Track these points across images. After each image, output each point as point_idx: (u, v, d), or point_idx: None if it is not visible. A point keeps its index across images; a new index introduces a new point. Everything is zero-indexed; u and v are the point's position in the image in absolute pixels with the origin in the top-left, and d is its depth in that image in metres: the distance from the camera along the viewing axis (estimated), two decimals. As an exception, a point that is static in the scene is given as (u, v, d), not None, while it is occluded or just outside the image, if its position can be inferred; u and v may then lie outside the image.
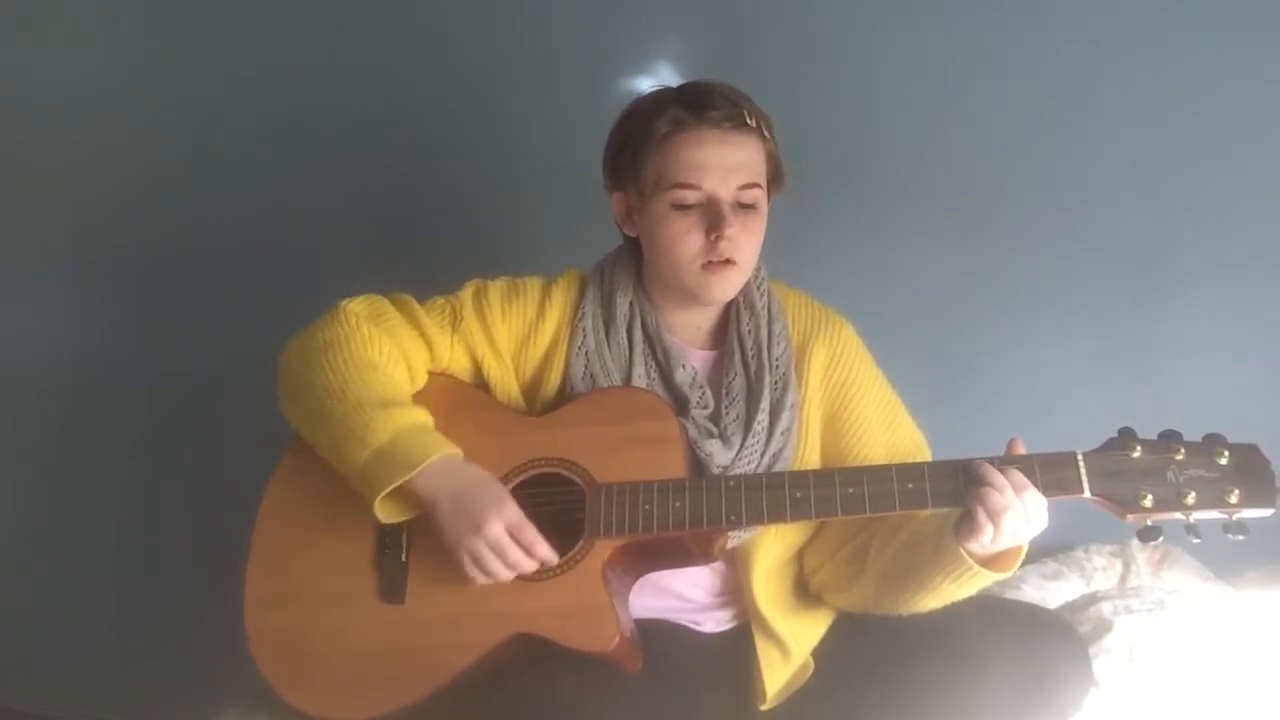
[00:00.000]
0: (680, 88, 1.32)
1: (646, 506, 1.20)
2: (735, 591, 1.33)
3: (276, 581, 1.28)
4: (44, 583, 2.25)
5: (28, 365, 2.20)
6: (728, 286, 1.31)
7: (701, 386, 1.32)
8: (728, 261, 1.27)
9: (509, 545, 1.16)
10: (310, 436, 1.26)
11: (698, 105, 1.27)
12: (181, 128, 2.07)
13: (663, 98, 1.30)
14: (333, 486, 1.27)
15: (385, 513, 1.19)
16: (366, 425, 1.18)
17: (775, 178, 1.33)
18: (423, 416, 1.24)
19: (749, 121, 1.27)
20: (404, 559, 1.24)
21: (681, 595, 1.33)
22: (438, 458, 1.17)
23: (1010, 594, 1.56)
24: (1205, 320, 1.76)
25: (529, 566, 1.17)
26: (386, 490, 1.16)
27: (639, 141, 1.29)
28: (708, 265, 1.28)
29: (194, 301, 2.09)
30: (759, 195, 1.29)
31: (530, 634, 1.18)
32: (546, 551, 1.18)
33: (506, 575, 1.17)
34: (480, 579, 1.17)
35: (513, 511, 1.17)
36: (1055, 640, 1.23)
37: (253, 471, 1.34)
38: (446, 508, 1.17)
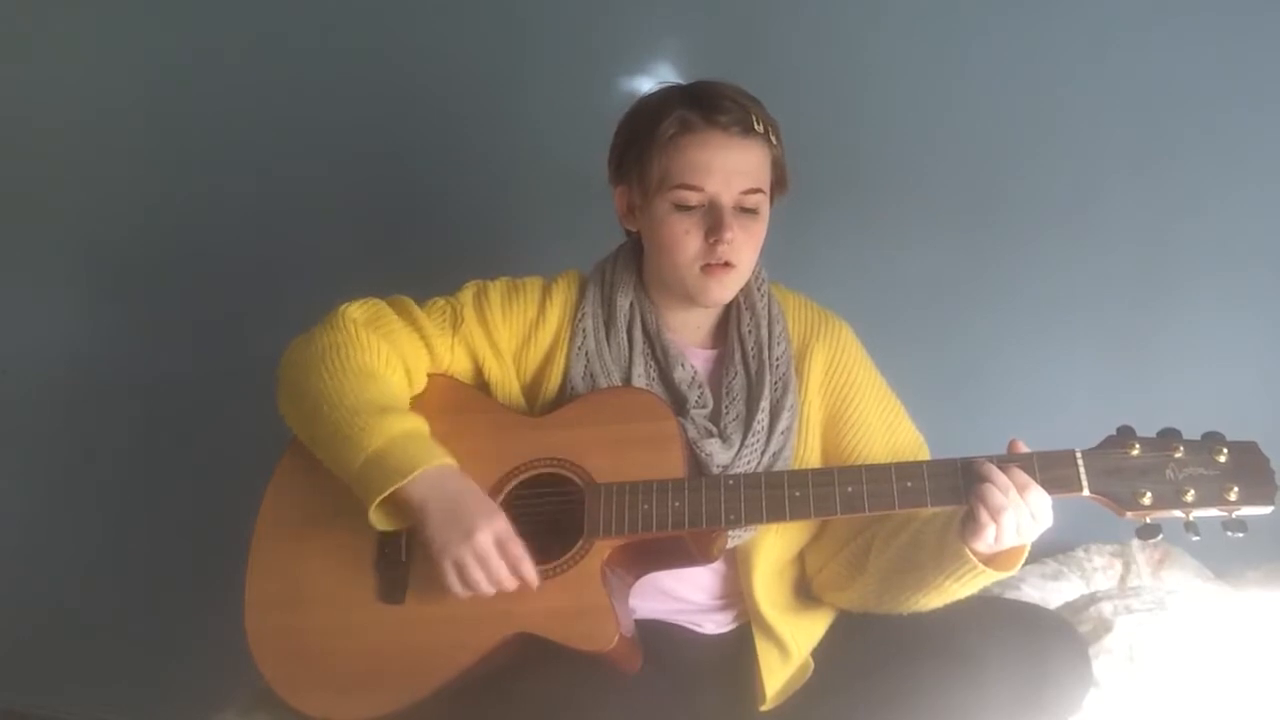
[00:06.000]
0: (690, 87, 1.31)
1: (645, 506, 1.20)
2: (736, 593, 1.33)
3: (277, 581, 1.28)
4: (44, 583, 2.26)
5: (29, 367, 2.20)
6: (725, 289, 1.31)
7: (700, 386, 1.32)
8: (726, 264, 1.28)
9: (494, 558, 1.15)
10: (308, 440, 1.26)
11: (706, 107, 1.26)
12: (180, 129, 2.08)
13: (671, 96, 1.30)
14: (333, 487, 1.27)
15: (380, 520, 1.18)
16: (362, 430, 1.18)
17: (778, 183, 1.34)
18: (418, 423, 1.23)
19: (756, 127, 1.27)
20: (404, 559, 1.24)
21: (682, 597, 1.33)
22: (430, 467, 1.17)
23: (1010, 594, 1.56)
24: (1205, 321, 1.76)
25: (510, 584, 1.16)
26: (380, 498, 1.15)
27: (645, 139, 1.29)
28: (706, 267, 1.28)
29: (194, 303, 2.10)
30: (761, 200, 1.29)
31: (530, 634, 1.18)
32: (530, 572, 1.16)
33: (488, 589, 1.15)
34: (460, 590, 1.15)
35: (502, 525, 1.16)
36: (1055, 640, 1.22)
37: (253, 471, 1.34)
38: (436, 516, 1.16)
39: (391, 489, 1.15)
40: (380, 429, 1.18)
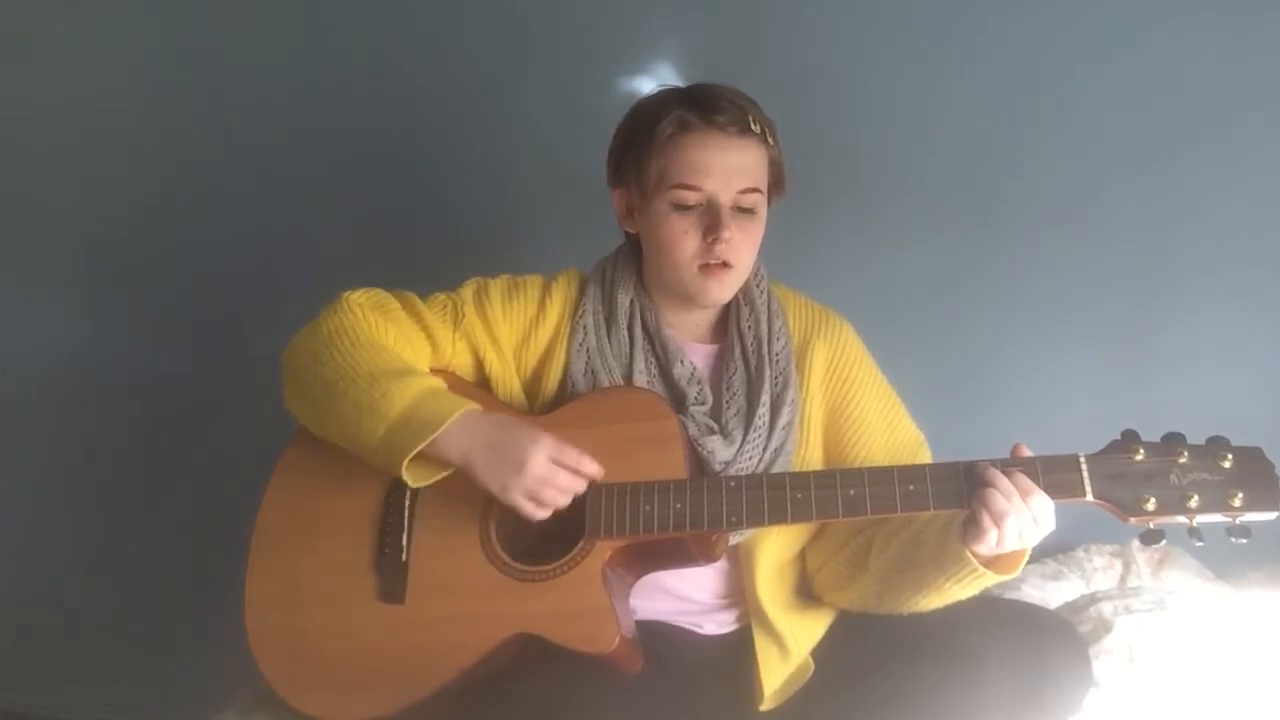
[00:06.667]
0: (688, 89, 1.32)
1: (647, 507, 1.20)
2: (738, 592, 1.33)
3: (277, 581, 1.28)
4: (44, 583, 2.26)
5: (29, 367, 2.20)
6: (724, 289, 1.31)
7: (700, 382, 1.32)
8: (724, 264, 1.28)
9: (557, 471, 1.17)
10: (322, 425, 1.26)
11: (704, 108, 1.27)
12: (180, 129, 2.08)
13: (669, 98, 1.30)
14: (333, 486, 1.27)
15: (414, 477, 1.18)
16: (383, 396, 1.18)
17: (776, 183, 1.34)
18: (437, 381, 1.24)
19: (753, 127, 1.28)
20: (404, 559, 1.24)
21: (685, 597, 1.33)
22: (460, 414, 1.18)
23: (1010, 594, 1.56)
24: (1208, 323, 1.75)
25: (581, 485, 1.18)
26: (413, 454, 1.15)
27: (643, 140, 1.29)
28: (705, 267, 1.28)
29: (194, 303, 2.10)
30: (758, 200, 1.30)
31: (530, 634, 1.18)
32: (593, 466, 1.19)
33: (564, 501, 1.18)
34: (540, 514, 1.17)
35: (548, 440, 1.17)
36: (1055, 640, 1.22)
37: (253, 471, 1.34)
38: (483, 458, 1.17)
39: (423, 444, 1.15)
40: (401, 391, 1.19)
